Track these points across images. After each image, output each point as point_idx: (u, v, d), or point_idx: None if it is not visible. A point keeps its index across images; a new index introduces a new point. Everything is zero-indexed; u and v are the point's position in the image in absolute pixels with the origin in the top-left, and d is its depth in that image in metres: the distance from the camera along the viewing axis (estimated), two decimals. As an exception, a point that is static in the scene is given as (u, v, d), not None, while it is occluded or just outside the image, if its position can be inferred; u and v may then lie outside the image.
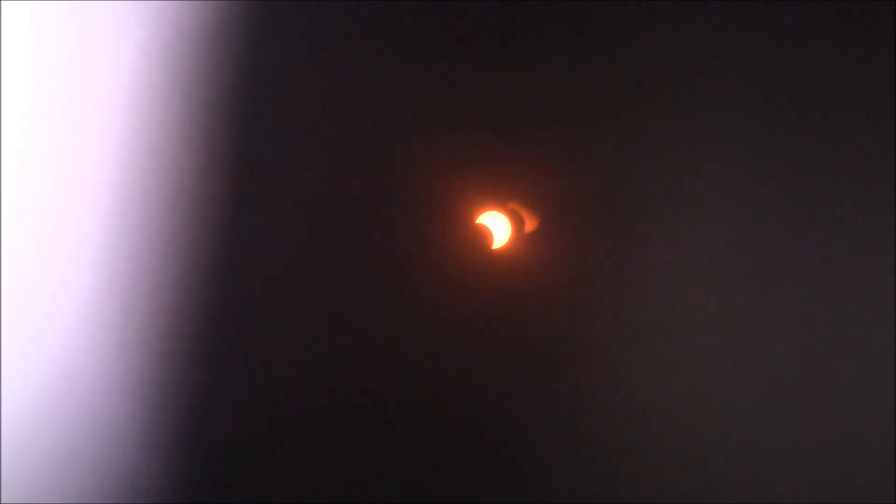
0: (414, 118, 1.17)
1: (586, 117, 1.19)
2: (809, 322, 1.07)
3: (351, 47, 1.12)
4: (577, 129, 1.21)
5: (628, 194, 1.21)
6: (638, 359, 1.14)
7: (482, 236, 1.32)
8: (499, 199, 1.32)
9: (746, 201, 1.11)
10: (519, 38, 1.14)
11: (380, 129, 1.16)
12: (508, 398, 1.17)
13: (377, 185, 1.18)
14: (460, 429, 1.18)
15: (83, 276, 1.01)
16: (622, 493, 1.09)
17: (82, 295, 1.01)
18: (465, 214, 1.31)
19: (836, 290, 1.07)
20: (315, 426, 1.12)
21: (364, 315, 1.17)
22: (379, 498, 1.11)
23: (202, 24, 0.99)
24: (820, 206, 1.07)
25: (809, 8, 1.06)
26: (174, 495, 1.03)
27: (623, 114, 1.17)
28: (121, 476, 1.01)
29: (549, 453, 1.14)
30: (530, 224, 1.33)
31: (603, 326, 1.19)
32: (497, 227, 1.33)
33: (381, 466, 1.13)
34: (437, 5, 1.10)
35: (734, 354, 1.09)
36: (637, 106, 1.14)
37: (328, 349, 1.14)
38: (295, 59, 1.09)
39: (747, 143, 1.10)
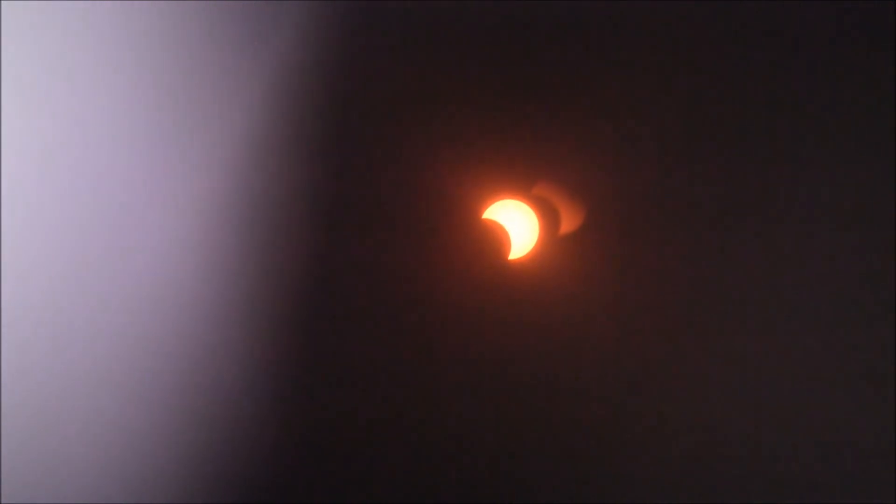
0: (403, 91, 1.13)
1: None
2: (813, 327, 1.13)
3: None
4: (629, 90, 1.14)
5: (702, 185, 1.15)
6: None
7: (492, 240, 1.14)
8: (519, 182, 1.15)
9: (752, 200, 1.15)
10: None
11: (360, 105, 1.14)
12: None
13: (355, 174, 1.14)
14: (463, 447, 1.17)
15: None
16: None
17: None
18: (467, 207, 1.14)
19: (838, 290, 1.13)
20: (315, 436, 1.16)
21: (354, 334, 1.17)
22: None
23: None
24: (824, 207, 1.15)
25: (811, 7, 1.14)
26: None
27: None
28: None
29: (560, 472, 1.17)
30: (568, 221, 1.15)
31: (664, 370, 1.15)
32: (516, 225, 1.16)
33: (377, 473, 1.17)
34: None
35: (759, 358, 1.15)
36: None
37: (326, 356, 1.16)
38: (297, 55, 1.14)
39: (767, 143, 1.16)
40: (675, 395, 1.15)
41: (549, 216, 1.16)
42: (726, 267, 1.14)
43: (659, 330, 1.14)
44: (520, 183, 1.16)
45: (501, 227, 1.16)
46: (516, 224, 1.16)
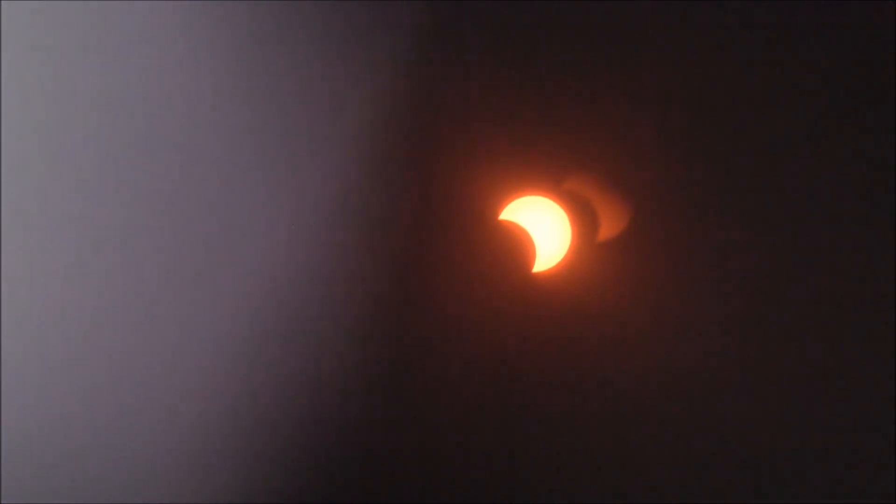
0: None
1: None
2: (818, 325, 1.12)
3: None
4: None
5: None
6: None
7: (512, 247, 1.07)
8: (547, 175, 1.08)
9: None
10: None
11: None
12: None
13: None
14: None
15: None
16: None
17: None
18: (481, 205, 1.06)
19: (841, 291, 1.12)
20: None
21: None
22: None
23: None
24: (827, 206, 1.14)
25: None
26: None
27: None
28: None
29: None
30: (609, 225, 1.09)
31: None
32: (543, 228, 1.10)
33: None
34: None
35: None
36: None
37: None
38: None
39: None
40: (724, 412, 1.08)
41: (584, 218, 1.09)
42: (797, 277, 1.06)
43: (719, 357, 1.04)
44: (547, 176, 1.08)
45: (524, 232, 1.07)
46: (543, 227, 1.08)
